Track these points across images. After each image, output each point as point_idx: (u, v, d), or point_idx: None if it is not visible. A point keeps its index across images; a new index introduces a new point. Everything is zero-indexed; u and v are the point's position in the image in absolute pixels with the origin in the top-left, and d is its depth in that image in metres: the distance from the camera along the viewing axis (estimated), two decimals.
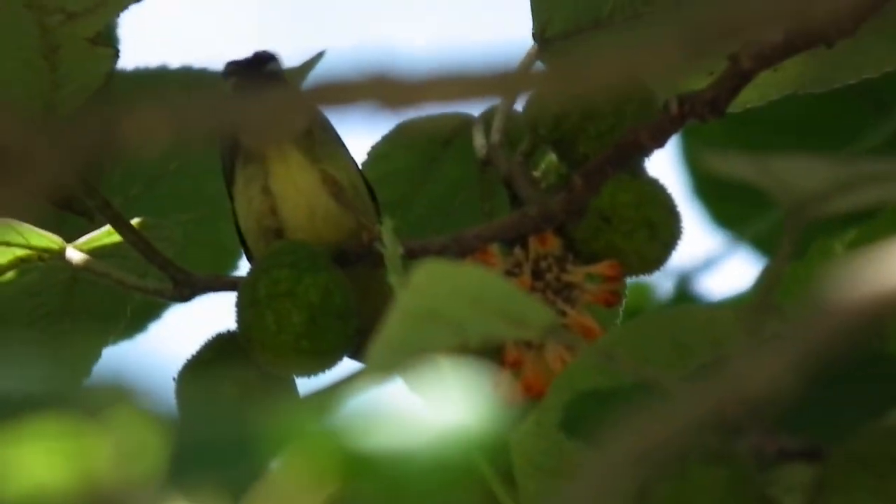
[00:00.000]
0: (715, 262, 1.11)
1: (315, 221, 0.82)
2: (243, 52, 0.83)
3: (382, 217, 0.83)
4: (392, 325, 0.59)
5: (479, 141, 0.86)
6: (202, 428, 0.42)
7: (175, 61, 0.90)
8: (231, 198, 0.84)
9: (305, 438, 0.41)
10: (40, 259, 0.82)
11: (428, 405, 0.41)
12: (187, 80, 0.90)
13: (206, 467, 0.42)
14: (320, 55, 0.91)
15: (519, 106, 0.85)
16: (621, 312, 0.84)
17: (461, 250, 0.81)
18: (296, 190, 0.82)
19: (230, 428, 0.42)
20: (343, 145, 0.84)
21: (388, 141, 0.89)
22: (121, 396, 0.42)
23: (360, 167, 0.84)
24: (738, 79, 0.76)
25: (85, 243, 0.83)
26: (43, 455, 0.41)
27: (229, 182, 0.83)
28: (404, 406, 0.43)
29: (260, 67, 0.81)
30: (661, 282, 1.13)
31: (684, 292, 1.10)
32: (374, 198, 0.84)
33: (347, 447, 0.41)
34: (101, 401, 0.42)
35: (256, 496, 0.43)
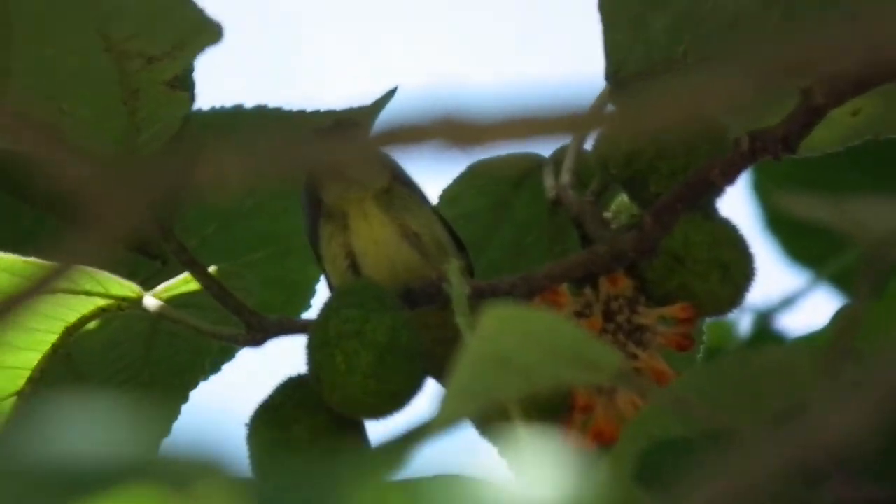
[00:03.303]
0: (795, 300, 1.09)
1: (396, 274, 0.82)
2: (320, 101, 0.83)
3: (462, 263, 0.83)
4: (461, 372, 0.58)
5: (549, 181, 0.85)
6: (285, 500, 0.41)
7: (250, 101, 0.91)
8: (318, 255, 0.84)
9: None
10: (119, 308, 0.83)
11: (506, 471, 0.40)
12: (262, 120, 0.90)
13: None
14: (392, 93, 0.91)
15: (589, 145, 0.84)
16: (699, 356, 0.83)
17: (530, 290, 0.81)
18: (376, 246, 0.82)
19: (310, 498, 0.41)
20: (423, 196, 0.84)
21: (458, 183, 0.89)
22: (206, 466, 0.42)
23: (440, 216, 0.84)
24: (810, 115, 0.75)
25: (162, 291, 0.83)
26: None
27: (314, 239, 0.84)
28: (481, 476, 0.42)
29: (343, 133, 0.82)
30: (741, 320, 1.12)
31: (764, 331, 1.09)
32: (461, 245, 0.84)
33: None
34: (187, 471, 0.41)
35: None
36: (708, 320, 0.83)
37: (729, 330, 1.11)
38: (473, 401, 0.58)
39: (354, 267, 0.82)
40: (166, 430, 0.86)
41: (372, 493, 0.41)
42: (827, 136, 0.79)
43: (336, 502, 0.41)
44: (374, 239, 0.82)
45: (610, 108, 0.84)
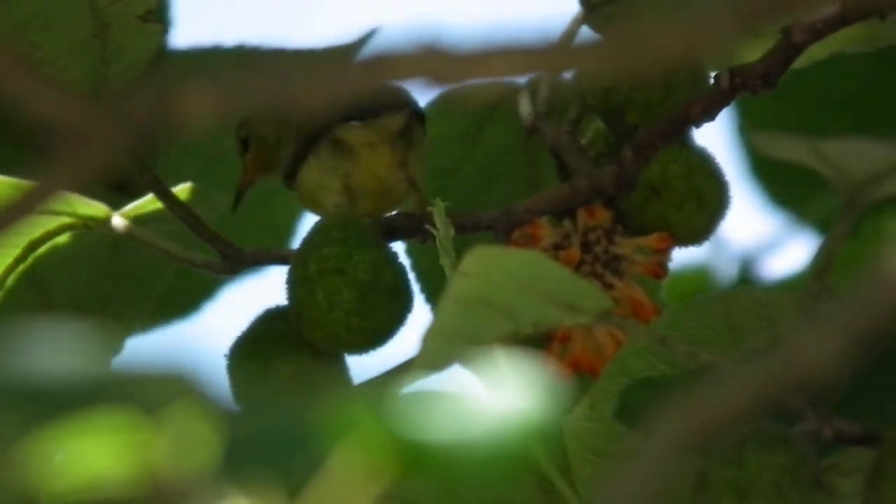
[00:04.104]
0: (778, 244, 1.09)
1: (386, 204, 0.82)
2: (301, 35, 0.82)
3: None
4: (444, 313, 0.59)
5: (524, 109, 0.85)
6: (258, 419, 0.42)
7: (230, 39, 0.90)
8: (290, 172, 0.83)
9: (360, 430, 0.41)
10: (86, 227, 0.83)
11: (482, 391, 0.41)
12: (241, 59, 0.90)
13: (262, 460, 0.42)
14: (373, 32, 0.91)
15: (566, 74, 0.84)
16: (664, 284, 0.84)
17: (510, 224, 0.81)
18: (377, 180, 0.81)
19: (286, 419, 0.42)
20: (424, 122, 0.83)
21: (434, 108, 0.89)
22: (179, 387, 0.42)
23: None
24: (790, 52, 0.75)
25: (131, 210, 0.83)
26: (101, 448, 0.41)
27: (297, 159, 0.83)
28: (458, 393, 0.43)
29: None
30: (724, 266, 1.11)
31: (747, 276, 1.09)
32: None
33: (402, 438, 0.41)
34: (159, 391, 0.42)
35: (313, 490, 0.43)
36: (692, 267, 0.84)
37: (710, 276, 1.11)
38: (455, 341, 0.58)
39: (348, 196, 0.81)
40: (127, 335, 0.86)
41: (345, 419, 0.41)
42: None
43: (306, 424, 0.42)
44: (377, 174, 0.81)
45: (584, 32, 0.84)
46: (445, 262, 0.65)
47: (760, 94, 0.77)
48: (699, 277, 1.10)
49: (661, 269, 0.81)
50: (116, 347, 0.85)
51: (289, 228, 0.94)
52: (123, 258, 0.85)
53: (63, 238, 0.83)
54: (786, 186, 1.05)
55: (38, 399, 0.41)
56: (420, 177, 0.82)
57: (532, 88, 0.86)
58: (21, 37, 0.80)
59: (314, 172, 0.82)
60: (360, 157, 0.81)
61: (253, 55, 0.89)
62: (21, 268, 0.83)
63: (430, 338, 0.59)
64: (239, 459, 0.42)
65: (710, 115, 0.78)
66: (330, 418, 0.42)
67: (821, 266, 0.59)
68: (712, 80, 0.79)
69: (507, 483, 0.43)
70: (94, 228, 0.82)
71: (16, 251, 0.83)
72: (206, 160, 0.93)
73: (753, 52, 0.78)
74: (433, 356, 0.58)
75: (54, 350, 0.42)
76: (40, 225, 0.82)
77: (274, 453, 0.42)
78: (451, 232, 0.68)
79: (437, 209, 0.69)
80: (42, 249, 0.83)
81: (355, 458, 0.42)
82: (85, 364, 0.42)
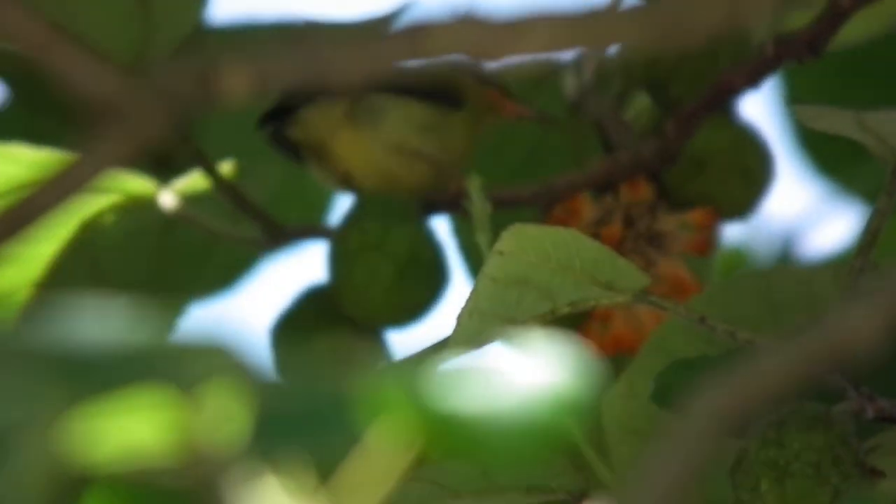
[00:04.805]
0: (823, 218, 1.07)
1: (394, 181, 0.81)
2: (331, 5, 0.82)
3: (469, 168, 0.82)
4: (479, 292, 0.58)
5: (570, 84, 0.84)
6: (293, 397, 0.42)
7: (266, 14, 0.90)
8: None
9: (392, 407, 0.41)
10: (135, 205, 0.83)
11: (515, 366, 0.41)
12: (277, 33, 0.89)
13: (296, 439, 0.41)
14: (407, 5, 0.90)
15: (609, 47, 0.83)
16: (714, 262, 0.83)
17: (551, 198, 0.80)
18: (367, 163, 0.81)
19: (322, 397, 0.42)
20: (407, 94, 0.82)
21: None
22: (223, 362, 0.42)
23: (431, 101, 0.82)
24: (836, 18, 0.74)
25: (178, 188, 0.83)
26: (140, 424, 0.41)
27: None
28: (491, 370, 0.42)
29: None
30: (766, 242, 1.09)
31: (789, 252, 1.07)
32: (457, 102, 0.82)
33: (433, 414, 0.41)
34: (203, 366, 0.41)
35: (347, 469, 0.43)
36: (732, 241, 0.83)
37: (751, 253, 1.09)
38: (490, 320, 0.58)
39: (349, 181, 0.81)
40: (176, 323, 0.86)
41: (377, 391, 0.41)
42: (849, 29, 0.77)
43: (341, 402, 0.41)
44: (363, 157, 0.80)
45: (626, 3, 0.83)
46: (481, 238, 0.64)
47: (806, 63, 0.75)
48: (740, 254, 1.09)
49: (705, 246, 0.80)
50: (169, 326, 0.85)
51: (325, 202, 0.94)
52: (172, 236, 0.85)
53: (113, 216, 0.83)
54: (835, 157, 1.02)
55: (80, 373, 0.41)
56: (435, 147, 0.81)
57: (577, 63, 0.85)
58: (63, 9, 0.81)
59: (313, 172, 0.82)
60: (333, 148, 0.81)
61: (289, 29, 0.89)
62: (73, 247, 0.83)
63: (465, 316, 0.58)
64: (273, 438, 0.42)
65: (753, 84, 0.77)
66: (363, 396, 0.42)
67: (865, 241, 0.58)
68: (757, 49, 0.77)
69: (539, 460, 0.42)
70: (142, 206, 0.82)
71: (69, 230, 0.83)
72: (246, 133, 0.93)
73: (799, 18, 0.77)
74: (468, 335, 0.58)
75: (101, 326, 0.42)
76: (91, 203, 0.83)
77: (308, 432, 0.42)
78: (489, 208, 0.67)
79: (473, 185, 0.69)
80: (93, 228, 0.83)
81: (388, 436, 0.42)
82: (130, 339, 0.42)
